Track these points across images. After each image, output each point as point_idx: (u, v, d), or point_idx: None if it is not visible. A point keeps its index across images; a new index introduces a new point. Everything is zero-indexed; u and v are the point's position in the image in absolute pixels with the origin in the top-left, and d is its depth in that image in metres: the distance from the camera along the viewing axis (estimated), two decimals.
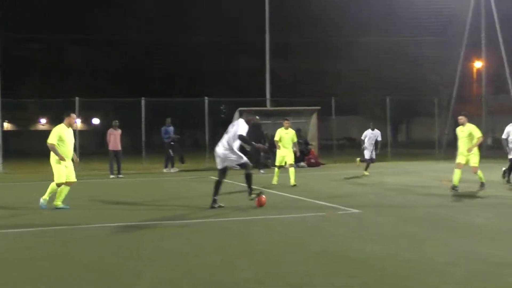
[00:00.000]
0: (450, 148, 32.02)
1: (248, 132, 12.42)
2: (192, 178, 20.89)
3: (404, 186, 16.97)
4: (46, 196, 12.48)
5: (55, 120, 51.94)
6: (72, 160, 12.62)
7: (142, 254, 8.10)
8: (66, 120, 12.59)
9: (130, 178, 21.57)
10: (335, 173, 22.42)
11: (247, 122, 12.48)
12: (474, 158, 14.76)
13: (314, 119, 27.63)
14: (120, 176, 21.85)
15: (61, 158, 12.19)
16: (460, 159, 14.86)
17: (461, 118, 15.01)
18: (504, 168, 16.95)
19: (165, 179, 21.27)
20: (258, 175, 21.70)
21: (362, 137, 21.64)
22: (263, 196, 12.43)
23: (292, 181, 16.94)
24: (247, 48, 45.13)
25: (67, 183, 12.47)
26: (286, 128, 17.61)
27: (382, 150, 31.75)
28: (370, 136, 21.45)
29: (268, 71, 32.35)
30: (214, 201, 12.21)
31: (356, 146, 46.48)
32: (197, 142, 28.67)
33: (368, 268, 7.07)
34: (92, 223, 10.81)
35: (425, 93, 40.25)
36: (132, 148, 31.21)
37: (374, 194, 15.10)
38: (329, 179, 19.82)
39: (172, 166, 24.37)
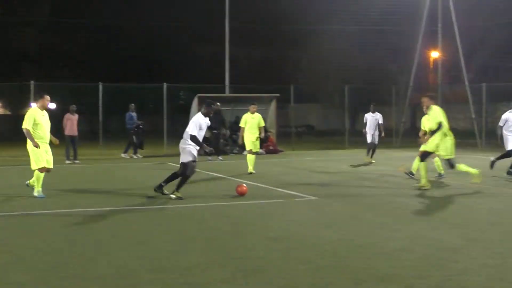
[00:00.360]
0: (406, 136, 32.52)
1: (210, 118, 12.16)
2: (150, 165, 20.79)
3: (361, 173, 17.18)
4: (38, 187, 11.97)
5: (10, 104, 50.73)
6: (51, 142, 12.16)
7: (98, 240, 8.07)
8: (39, 102, 12.03)
9: (87, 164, 21.34)
10: (293, 160, 22.56)
11: (206, 114, 12.13)
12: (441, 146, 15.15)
13: (273, 106, 27.69)
14: (77, 161, 21.59)
15: (35, 145, 11.62)
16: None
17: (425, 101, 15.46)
18: (492, 158, 16.02)
19: (122, 165, 21.11)
20: (217, 161, 21.72)
21: (364, 121, 20.77)
22: (244, 185, 12.32)
23: (251, 168, 16.97)
24: (207, 34, 44.94)
25: (42, 169, 11.95)
26: (253, 113, 17.47)
27: (340, 137, 32.18)
28: (371, 119, 20.58)
29: (228, 57, 32.27)
30: (160, 186, 11.93)
31: (315, 134, 46.90)
32: (156, 128, 28.37)
33: (322, 254, 7.18)
34: (47, 209, 10.69)
35: (383, 82, 40.67)
36: (89, 134, 30.84)
37: (331, 181, 15.27)
38: (287, 166, 19.94)
39: (135, 153, 24.17)
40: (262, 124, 17.52)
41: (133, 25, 45.97)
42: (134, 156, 23.91)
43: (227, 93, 31.49)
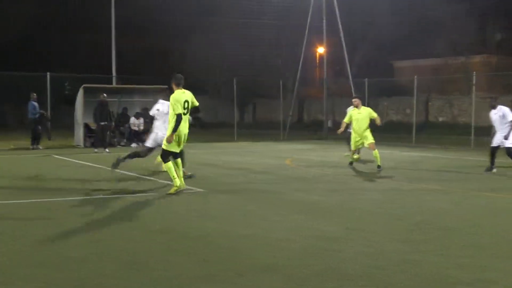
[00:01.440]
0: (293, 129, 33.22)
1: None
2: (33, 157, 20.04)
3: (248, 165, 17.35)
4: None
5: None
6: None
7: None
8: None
9: None
10: None
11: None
12: (368, 137, 15.69)
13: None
14: None
15: None
16: (355, 143, 15.93)
17: (356, 101, 15.95)
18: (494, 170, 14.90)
19: (2, 157, 20.24)
20: (104, 154, 21.24)
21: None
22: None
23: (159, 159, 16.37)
24: (94, 23, 43.73)
25: None
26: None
27: (228, 130, 32.36)
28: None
29: (114, 47, 31.57)
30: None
31: (202, 126, 46.93)
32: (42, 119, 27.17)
33: (205, 245, 7.18)
34: None
35: (271, 76, 41.27)
36: None
37: (219, 173, 15.31)
38: None
39: (38, 143, 23.28)
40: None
41: (15, 10, 43.96)
42: (39, 147, 23.07)
43: (114, 84, 30.85)
